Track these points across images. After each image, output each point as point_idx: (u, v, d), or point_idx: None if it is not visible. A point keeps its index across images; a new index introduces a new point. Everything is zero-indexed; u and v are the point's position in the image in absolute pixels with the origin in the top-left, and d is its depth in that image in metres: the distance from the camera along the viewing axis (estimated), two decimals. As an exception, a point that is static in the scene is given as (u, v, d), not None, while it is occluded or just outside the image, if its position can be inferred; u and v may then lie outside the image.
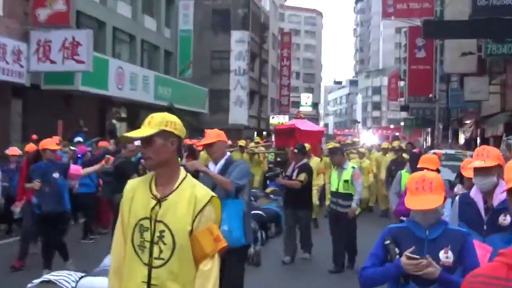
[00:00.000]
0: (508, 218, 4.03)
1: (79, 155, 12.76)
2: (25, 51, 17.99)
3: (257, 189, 16.61)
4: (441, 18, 28.37)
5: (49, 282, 6.84)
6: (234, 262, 5.76)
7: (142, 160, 10.30)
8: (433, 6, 30.62)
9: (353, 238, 9.72)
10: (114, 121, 27.43)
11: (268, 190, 15.89)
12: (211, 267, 3.29)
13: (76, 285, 6.42)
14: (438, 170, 6.45)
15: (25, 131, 17.40)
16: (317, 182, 13.74)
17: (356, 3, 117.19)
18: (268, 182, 16.13)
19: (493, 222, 4.09)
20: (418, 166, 6.78)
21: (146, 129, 3.27)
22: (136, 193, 3.42)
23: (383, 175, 16.09)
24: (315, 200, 13.49)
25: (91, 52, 18.78)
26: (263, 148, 20.84)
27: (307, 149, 13.86)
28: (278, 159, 18.47)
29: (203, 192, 3.40)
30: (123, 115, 28.66)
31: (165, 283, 3.26)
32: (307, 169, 10.53)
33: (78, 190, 12.47)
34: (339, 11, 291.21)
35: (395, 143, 19.31)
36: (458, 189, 5.38)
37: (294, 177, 10.13)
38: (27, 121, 18.67)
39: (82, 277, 6.77)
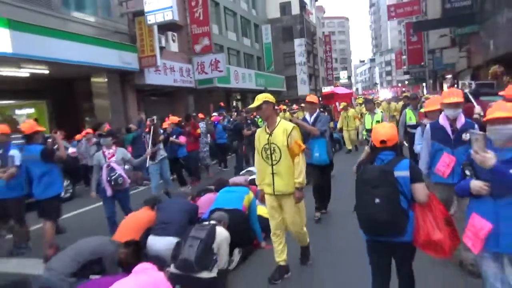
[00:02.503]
0: (468, 135, 3.48)
1: (216, 122, 12.14)
2: (191, 69, 18.68)
3: None
4: (426, 15, 27.11)
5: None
6: (324, 174, 5.68)
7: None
8: (420, 8, 29.23)
9: None
10: (234, 102, 27.65)
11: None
12: (299, 160, 3.66)
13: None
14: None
15: (197, 112, 16.52)
16: (355, 124, 12.77)
17: (370, 7, 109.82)
18: None
19: (458, 139, 3.58)
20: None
21: (257, 102, 3.67)
22: (260, 134, 3.82)
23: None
24: (354, 135, 12.62)
25: (225, 65, 19.24)
26: None
27: (343, 106, 12.94)
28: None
29: (289, 126, 3.71)
30: (238, 97, 29.05)
31: (280, 170, 3.67)
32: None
33: (217, 142, 11.45)
34: (359, 15, 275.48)
35: (404, 95, 18.73)
36: (425, 120, 4.54)
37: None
38: (196, 106, 19.50)
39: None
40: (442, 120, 3.73)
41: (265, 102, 3.63)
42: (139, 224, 4.14)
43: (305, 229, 3.96)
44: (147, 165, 7.39)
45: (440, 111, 4.05)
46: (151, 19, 13.38)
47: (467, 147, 3.36)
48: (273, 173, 3.67)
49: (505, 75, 14.41)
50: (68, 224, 6.34)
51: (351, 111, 13.07)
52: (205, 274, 3.27)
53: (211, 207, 4.52)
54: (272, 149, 3.65)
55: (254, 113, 14.32)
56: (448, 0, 14.69)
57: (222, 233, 3.61)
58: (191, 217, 4.10)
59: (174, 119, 9.80)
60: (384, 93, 31.87)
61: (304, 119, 5.68)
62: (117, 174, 5.31)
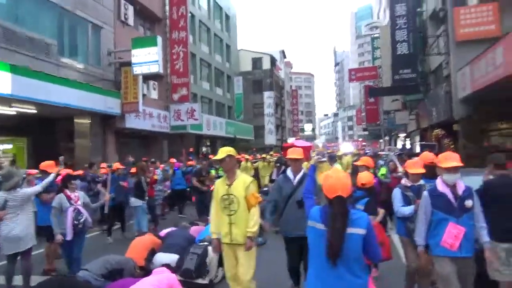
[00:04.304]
0: (470, 201, 3.32)
1: (176, 168, 12.29)
2: (168, 116, 19.70)
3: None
4: (381, 79, 29.27)
5: None
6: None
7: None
8: (377, 73, 31.33)
9: None
10: (204, 148, 27.91)
11: None
12: (255, 211, 3.80)
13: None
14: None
15: (170, 156, 18.14)
16: None
17: (335, 66, 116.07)
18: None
19: (462, 206, 3.31)
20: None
21: (221, 155, 3.82)
22: (219, 185, 3.96)
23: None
24: None
25: (200, 113, 20.42)
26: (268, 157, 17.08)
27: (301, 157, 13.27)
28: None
29: (248, 179, 3.88)
30: (208, 143, 29.50)
31: (237, 221, 3.77)
32: None
33: (175, 187, 11.46)
34: (325, 72, 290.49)
35: (355, 151, 19.48)
36: (405, 181, 4.27)
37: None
38: (169, 150, 20.43)
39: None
40: (441, 186, 3.43)
41: (229, 155, 3.81)
42: (145, 245, 5.26)
43: (254, 284, 3.91)
44: (137, 205, 8.09)
45: (422, 175, 4.12)
46: (137, 70, 14.76)
47: (471, 215, 3.32)
48: (230, 223, 3.76)
49: (446, 138, 16.68)
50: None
51: (304, 164, 13.25)
52: (200, 281, 4.45)
53: (201, 235, 5.65)
54: (230, 199, 3.76)
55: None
56: (397, 71, 16.93)
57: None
58: (189, 243, 5.18)
59: (117, 164, 9.78)
60: (345, 147, 33.73)
61: (286, 178, 4.47)
62: (84, 217, 5.35)
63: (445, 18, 15.46)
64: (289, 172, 4.43)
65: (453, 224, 3.29)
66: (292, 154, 4.42)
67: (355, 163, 6.33)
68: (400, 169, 6.30)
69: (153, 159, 12.54)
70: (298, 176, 4.33)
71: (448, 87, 15.05)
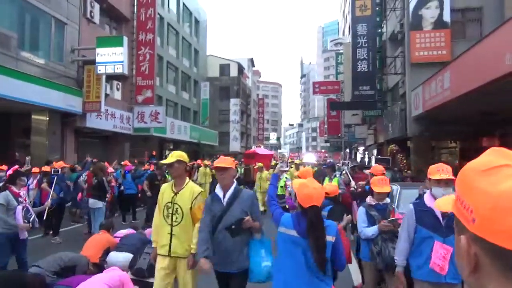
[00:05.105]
0: None
1: (126, 171, 11.60)
2: (131, 117, 19.37)
3: None
4: (343, 94, 30.31)
5: None
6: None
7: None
8: (339, 88, 32.04)
9: None
10: (167, 151, 26.89)
11: None
12: None
13: None
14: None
15: (132, 158, 17.51)
16: (267, 186, 11.57)
17: (301, 78, 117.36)
18: None
19: (449, 225, 2.89)
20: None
21: (170, 159, 3.50)
22: (165, 190, 3.65)
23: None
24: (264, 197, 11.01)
25: (164, 117, 20.21)
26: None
27: (259, 166, 12.54)
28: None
29: (197, 189, 3.60)
30: (171, 147, 28.69)
31: (179, 233, 3.49)
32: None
33: (125, 192, 11.06)
34: (291, 82, 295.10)
35: (316, 162, 20.08)
36: (370, 199, 3.97)
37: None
38: (131, 152, 19.99)
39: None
40: (429, 200, 3.08)
41: (178, 161, 3.52)
42: (101, 244, 5.24)
43: None
44: (97, 206, 7.90)
45: (388, 194, 3.85)
46: (101, 69, 14.50)
47: None
48: (171, 234, 3.49)
49: (399, 153, 17.52)
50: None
51: (265, 173, 12.56)
52: (152, 280, 4.42)
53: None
54: (174, 209, 3.51)
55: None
56: (357, 87, 17.63)
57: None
58: (143, 244, 5.16)
59: (61, 163, 9.60)
60: (308, 157, 34.15)
61: (214, 196, 3.47)
62: (34, 216, 5.15)
63: (403, 40, 16.35)
64: (217, 189, 3.46)
65: (439, 243, 2.95)
66: (219, 162, 3.44)
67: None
68: (352, 183, 6.50)
69: (95, 160, 11.73)
70: (229, 193, 3.39)
71: (403, 105, 15.85)
